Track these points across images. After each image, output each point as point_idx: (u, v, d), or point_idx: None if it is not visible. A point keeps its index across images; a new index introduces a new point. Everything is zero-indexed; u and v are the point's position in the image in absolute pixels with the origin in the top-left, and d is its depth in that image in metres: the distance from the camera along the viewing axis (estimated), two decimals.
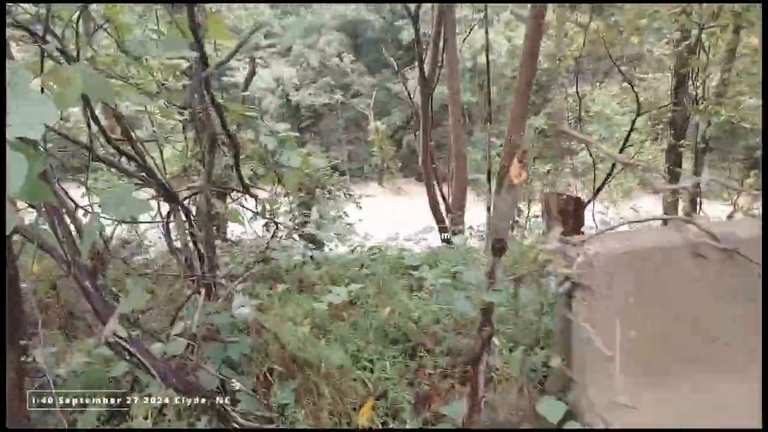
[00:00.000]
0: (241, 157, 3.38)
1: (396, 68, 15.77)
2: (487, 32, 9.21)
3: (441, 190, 10.19)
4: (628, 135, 9.32)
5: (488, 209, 10.55)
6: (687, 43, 10.63)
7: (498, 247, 2.17)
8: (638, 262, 2.22)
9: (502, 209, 2.23)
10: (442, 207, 10.21)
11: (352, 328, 3.51)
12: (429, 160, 9.25)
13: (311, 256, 4.94)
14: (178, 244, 3.00)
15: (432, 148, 9.82)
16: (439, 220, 9.60)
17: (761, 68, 10.05)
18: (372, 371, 2.97)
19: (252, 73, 8.94)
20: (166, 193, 2.82)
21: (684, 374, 2.26)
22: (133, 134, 2.96)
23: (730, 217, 12.02)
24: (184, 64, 3.38)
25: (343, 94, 47.00)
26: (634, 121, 9.10)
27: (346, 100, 47.28)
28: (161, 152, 3.75)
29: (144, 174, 2.85)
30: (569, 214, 6.33)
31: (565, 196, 6.50)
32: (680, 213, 12.62)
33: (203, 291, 2.65)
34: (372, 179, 45.61)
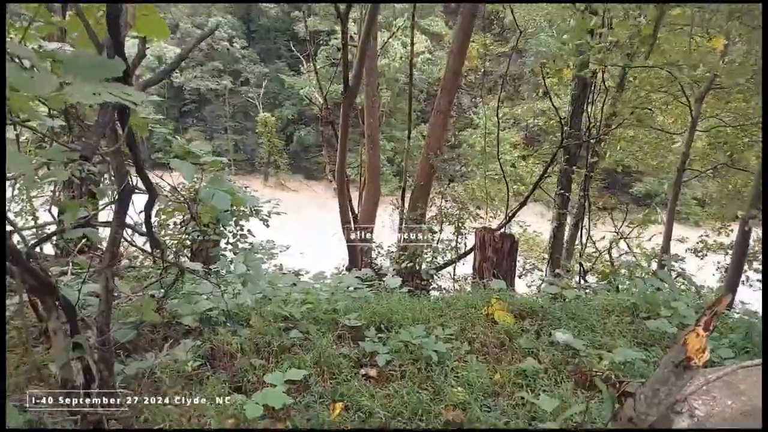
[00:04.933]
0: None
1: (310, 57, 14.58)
2: (412, 43, 8.63)
3: (353, 209, 9.45)
4: (547, 167, 9.29)
5: (400, 229, 10.02)
6: (585, 71, 11.05)
7: None
8: (757, 424, 1.65)
9: (656, 394, 1.47)
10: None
11: None
12: (344, 175, 8.47)
13: (225, 312, 3.89)
14: None
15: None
16: (350, 240, 8.85)
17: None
18: None
19: (142, 56, 7.50)
20: None
21: None
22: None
23: (612, 242, 12.84)
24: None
25: (232, 81, 44.15)
26: (554, 154, 9.05)
27: (235, 87, 44.47)
28: None
29: None
30: (504, 253, 5.94)
31: (500, 234, 6.10)
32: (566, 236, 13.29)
33: None
34: (259, 172, 43.50)
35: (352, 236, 8.99)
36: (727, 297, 1.28)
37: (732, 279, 8.90)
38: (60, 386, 1.74)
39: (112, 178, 3.61)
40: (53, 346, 1.71)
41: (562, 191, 12.04)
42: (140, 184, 2.12)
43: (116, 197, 1.77)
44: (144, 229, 2.77)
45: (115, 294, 2.47)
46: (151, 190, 2.06)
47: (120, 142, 1.61)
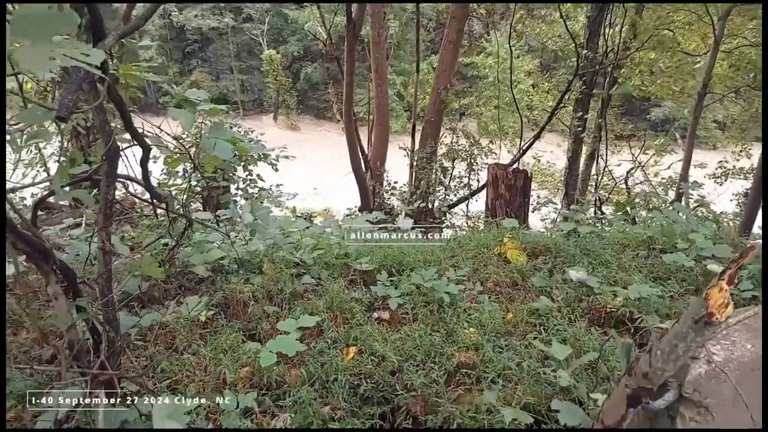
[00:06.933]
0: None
1: None
2: None
3: (362, 149, 9.29)
4: (563, 96, 8.95)
5: (410, 166, 9.89)
6: None
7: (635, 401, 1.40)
8: None
9: (674, 350, 1.36)
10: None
11: (309, 385, 2.65)
12: (351, 114, 8.23)
13: (236, 259, 3.89)
14: None
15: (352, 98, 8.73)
16: (362, 182, 8.76)
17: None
18: None
19: None
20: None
21: None
22: None
23: (629, 172, 12.62)
24: None
25: (234, 18, 42.69)
26: (570, 82, 8.68)
27: (238, 24, 43.05)
28: None
29: None
30: (517, 190, 5.82)
31: (512, 170, 5.96)
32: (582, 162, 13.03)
33: None
34: (268, 113, 42.88)
35: (363, 176, 8.90)
36: (754, 248, 1.19)
37: (752, 204, 8.70)
38: (67, 348, 1.74)
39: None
40: (55, 310, 1.69)
41: (579, 119, 11.63)
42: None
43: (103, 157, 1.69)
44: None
45: (115, 254, 2.44)
46: (143, 144, 1.98)
47: (101, 98, 1.51)
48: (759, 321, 1.71)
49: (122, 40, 3.60)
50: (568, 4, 11.53)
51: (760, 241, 4.27)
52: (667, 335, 1.30)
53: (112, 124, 2.69)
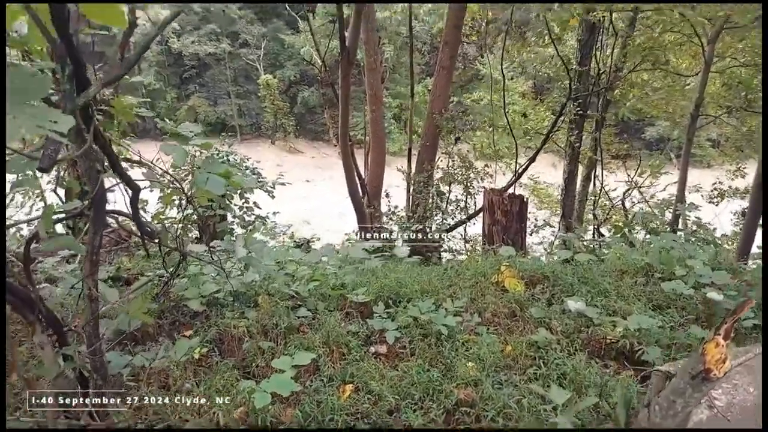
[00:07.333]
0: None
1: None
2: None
3: (359, 173, 9.28)
4: (557, 119, 9.01)
5: (407, 190, 9.89)
6: (593, 14, 10.56)
7: None
8: None
9: (672, 405, 1.32)
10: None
11: (304, 426, 2.59)
12: (347, 138, 8.26)
13: (231, 292, 3.84)
14: None
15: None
16: (359, 206, 8.74)
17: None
18: None
19: (133, 26, 7.21)
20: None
21: None
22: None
23: (626, 192, 12.63)
24: None
25: (231, 43, 43.18)
26: (564, 105, 8.75)
27: (234, 49, 43.52)
28: None
29: None
30: (513, 215, 5.80)
31: (508, 195, 5.95)
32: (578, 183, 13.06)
33: None
34: (266, 137, 43.09)
35: (360, 201, 8.89)
36: (749, 302, 1.16)
37: (749, 225, 8.71)
38: (54, 398, 1.69)
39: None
40: (43, 359, 1.65)
41: (576, 137, 11.58)
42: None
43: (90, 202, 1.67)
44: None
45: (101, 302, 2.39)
46: (132, 185, 1.97)
47: (86, 145, 1.49)
48: (760, 362, 1.68)
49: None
50: (558, 29, 11.64)
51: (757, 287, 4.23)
52: (665, 391, 1.26)
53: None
